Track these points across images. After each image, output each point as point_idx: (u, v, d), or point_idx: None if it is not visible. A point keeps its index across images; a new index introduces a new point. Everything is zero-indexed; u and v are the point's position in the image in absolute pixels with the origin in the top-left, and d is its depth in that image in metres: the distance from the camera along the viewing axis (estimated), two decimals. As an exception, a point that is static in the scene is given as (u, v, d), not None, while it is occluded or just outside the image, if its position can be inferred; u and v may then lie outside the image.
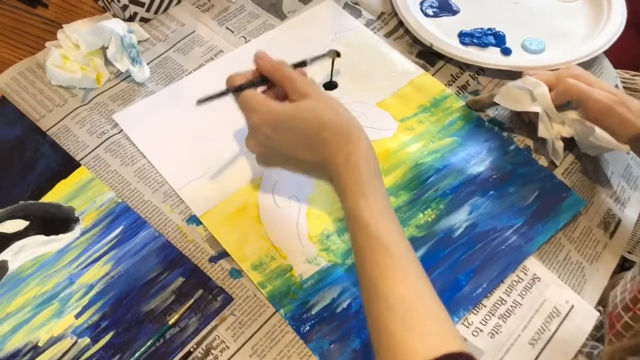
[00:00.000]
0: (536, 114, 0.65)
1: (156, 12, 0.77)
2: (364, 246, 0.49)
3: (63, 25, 0.70)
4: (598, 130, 0.62)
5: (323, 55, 0.66)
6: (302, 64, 0.62)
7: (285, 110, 0.53)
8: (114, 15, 0.76)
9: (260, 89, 0.58)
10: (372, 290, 0.47)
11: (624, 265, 0.76)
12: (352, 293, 0.58)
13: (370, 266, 0.48)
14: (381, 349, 0.46)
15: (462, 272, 0.59)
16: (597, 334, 0.59)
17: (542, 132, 0.66)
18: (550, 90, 0.64)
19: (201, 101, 0.57)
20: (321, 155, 0.53)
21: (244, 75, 0.57)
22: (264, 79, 0.57)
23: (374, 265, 0.48)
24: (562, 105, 0.64)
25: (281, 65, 0.56)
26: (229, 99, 0.57)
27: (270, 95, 0.57)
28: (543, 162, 0.69)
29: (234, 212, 0.62)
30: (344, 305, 0.57)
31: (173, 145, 0.67)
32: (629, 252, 0.73)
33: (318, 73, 0.72)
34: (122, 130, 0.68)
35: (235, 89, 0.56)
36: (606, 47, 0.76)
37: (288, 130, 0.53)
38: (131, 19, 0.75)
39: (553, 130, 0.66)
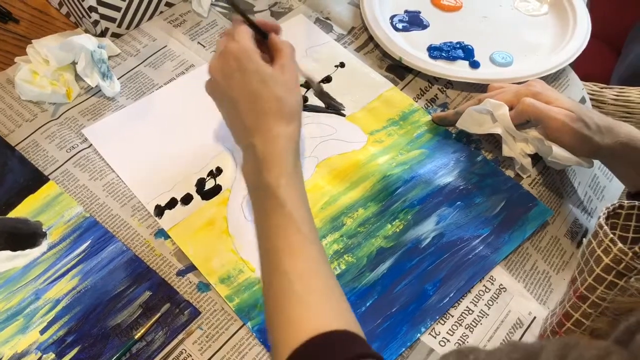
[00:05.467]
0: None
1: (128, 28, 0.78)
2: (276, 223, 0.50)
3: (32, 41, 0.70)
4: (556, 150, 0.62)
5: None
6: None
7: (261, 66, 0.55)
8: (86, 31, 0.76)
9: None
10: (275, 265, 0.49)
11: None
12: (319, 305, 0.58)
13: (278, 242, 0.49)
14: (273, 321, 0.47)
15: (429, 282, 0.60)
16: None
17: (506, 152, 0.67)
18: (510, 109, 0.65)
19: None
20: (257, 123, 0.54)
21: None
22: (261, 36, 0.59)
23: (283, 242, 0.49)
24: (522, 123, 0.65)
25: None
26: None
27: None
28: (510, 173, 0.69)
29: (202, 226, 0.62)
30: (312, 317, 0.57)
31: (142, 159, 0.67)
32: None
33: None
34: (91, 144, 0.68)
35: (241, 11, 0.58)
36: (572, 60, 0.78)
37: (248, 80, 0.54)
38: (102, 34, 0.76)
39: (516, 148, 0.67)
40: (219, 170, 0.66)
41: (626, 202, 0.51)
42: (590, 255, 0.49)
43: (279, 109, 0.54)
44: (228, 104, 0.57)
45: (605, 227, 0.47)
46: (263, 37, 0.59)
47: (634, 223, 0.51)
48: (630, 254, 0.46)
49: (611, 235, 0.47)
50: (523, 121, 0.64)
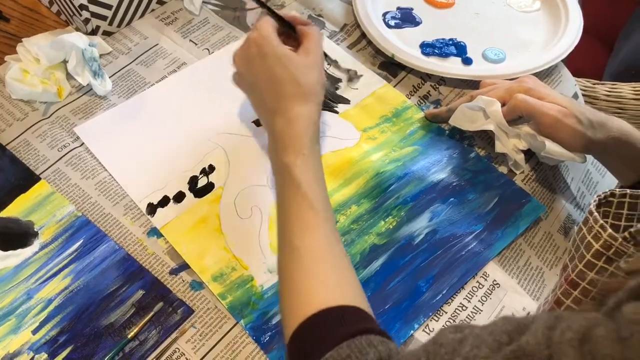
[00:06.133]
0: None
1: (119, 26, 0.77)
2: (291, 201, 0.52)
3: (23, 39, 0.70)
4: (549, 145, 0.62)
5: None
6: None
7: (279, 50, 0.58)
8: (76, 29, 0.76)
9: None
10: (288, 241, 0.51)
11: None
12: (313, 302, 0.58)
13: (292, 219, 0.52)
14: (284, 295, 0.49)
15: (422, 279, 0.60)
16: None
17: (499, 148, 0.67)
18: (503, 105, 0.65)
19: None
20: (277, 105, 0.56)
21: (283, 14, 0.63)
22: (288, 29, 0.63)
23: (295, 219, 0.51)
24: (514, 119, 0.65)
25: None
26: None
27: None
28: (503, 169, 0.70)
29: (195, 223, 0.62)
30: (305, 314, 0.57)
31: (134, 157, 0.66)
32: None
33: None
34: (83, 143, 0.67)
35: (266, 6, 0.62)
36: (564, 56, 0.78)
37: (267, 64, 0.57)
38: (93, 32, 0.75)
39: (509, 144, 0.67)
40: (211, 168, 0.66)
41: (617, 190, 0.51)
42: (580, 241, 0.49)
43: (297, 90, 0.56)
44: (252, 89, 0.60)
45: (596, 214, 0.47)
46: (290, 30, 0.63)
47: (625, 211, 0.51)
48: (620, 239, 0.46)
49: (601, 222, 0.47)
50: (515, 117, 0.64)
